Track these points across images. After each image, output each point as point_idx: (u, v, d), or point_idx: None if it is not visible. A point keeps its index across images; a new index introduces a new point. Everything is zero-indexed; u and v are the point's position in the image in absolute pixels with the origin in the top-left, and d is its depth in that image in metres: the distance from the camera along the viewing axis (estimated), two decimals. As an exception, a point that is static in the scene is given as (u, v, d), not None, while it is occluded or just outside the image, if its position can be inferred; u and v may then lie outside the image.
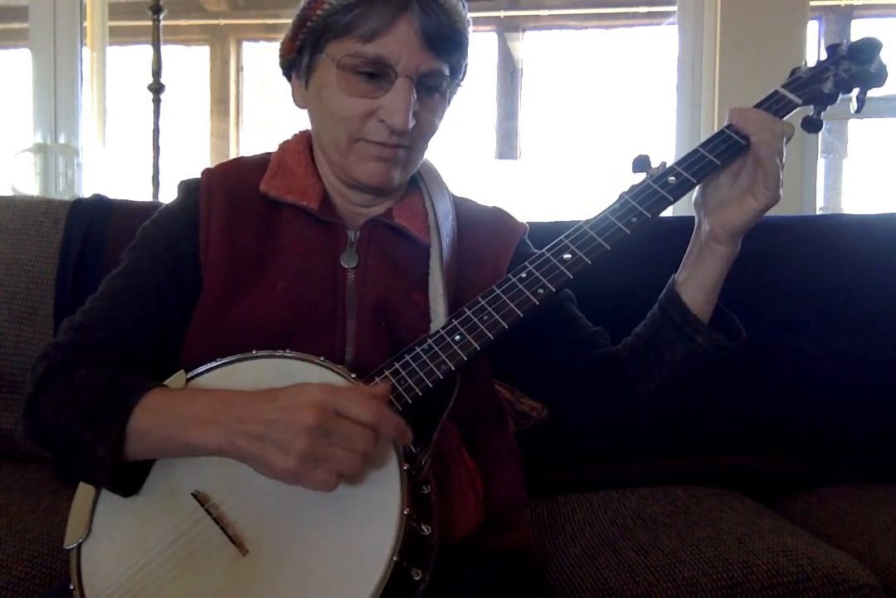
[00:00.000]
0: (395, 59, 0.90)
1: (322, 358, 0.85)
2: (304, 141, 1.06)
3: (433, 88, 0.95)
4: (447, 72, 0.95)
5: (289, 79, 1.04)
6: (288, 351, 0.86)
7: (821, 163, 2.26)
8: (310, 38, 0.95)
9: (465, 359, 0.86)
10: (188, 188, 1.03)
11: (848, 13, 2.99)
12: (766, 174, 0.90)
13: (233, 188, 1.01)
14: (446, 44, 0.93)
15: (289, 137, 1.08)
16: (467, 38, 0.96)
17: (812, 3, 2.19)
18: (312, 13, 0.94)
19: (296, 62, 1.00)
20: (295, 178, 1.01)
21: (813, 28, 2.52)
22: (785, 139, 0.90)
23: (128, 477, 0.86)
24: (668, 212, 2.27)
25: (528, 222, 1.13)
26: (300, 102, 1.02)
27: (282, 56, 1.02)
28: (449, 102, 1.02)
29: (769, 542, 1.17)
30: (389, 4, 0.89)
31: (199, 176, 1.04)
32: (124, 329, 0.94)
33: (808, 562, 1.12)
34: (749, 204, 0.91)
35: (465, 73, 1.02)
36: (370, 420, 0.74)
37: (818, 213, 2.32)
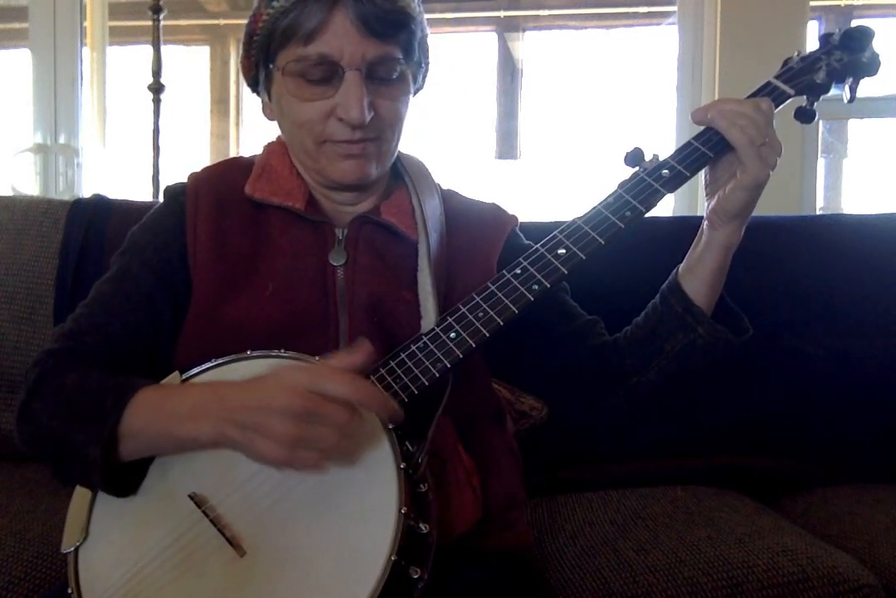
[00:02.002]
0: (338, 55, 0.90)
1: (317, 358, 0.85)
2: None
3: (387, 75, 0.93)
4: (399, 55, 0.93)
5: (258, 94, 1.04)
6: (283, 351, 0.85)
7: (821, 163, 2.26)
8: (260, 52, 0.96)
9: (461, 356, 0.86)
10: (174, 193, 1.03)
11: (848, 13, 2.99)
12: (734, 148, 0.89)
13: (220, 191, 1.01)
14: (389, 26, 0.91)
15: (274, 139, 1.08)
16: (413, 15, 0.94)
17: (812, 3, 2.19)
18: (256, 27, 0.94)
19: (257, 77, 1.00)
20: (280, 179, 1.01)
21: (813, 28, 2.52)
22: (753, 110, 0.89)
23: (123, 479, 0.85)
24: (668, 211, 2.26)
25: (527, 222, 1.13)
26: (270, 114, 1.02)
27: (244, 75, 1.03)
28: (418, 83, 1.01)
29: (769, 542, 1.17)
30: (321, 1, 0.89)
31: (185, 180, 1.04)
32: (115, 334, 0.94)
33: (808, 562, 1.11)
34: (732, 184, 0.90)
35: (425, 52, 1.00)
36: (348, 395, 0.74)
37: (818, 213, 2.32)
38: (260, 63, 0.97)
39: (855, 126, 2.79)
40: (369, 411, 0.77)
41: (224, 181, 1.02)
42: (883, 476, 1.51)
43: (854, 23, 2.95)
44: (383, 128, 0.95)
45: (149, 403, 0.83)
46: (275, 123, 1.03)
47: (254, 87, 1.04)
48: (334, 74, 0.91)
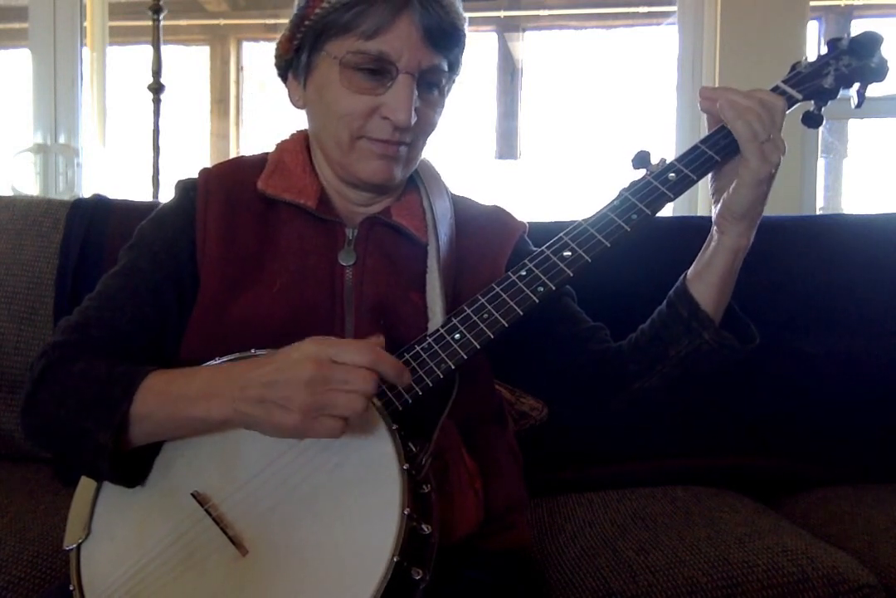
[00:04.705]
0: (396, 56, 0.91)
1: None
2: (301, 140, 1.06)
3: (433, 84, 0.95)
4: (446, 68, 0.96)
5: (284, 80, 1.04)
6: (288, 350, 0.85)
7: (821, 163, 2.26)
8: (308, 37, 0.95)
9: (466, 357, 0.86)
10: (185, 188, 1.03)
11: (848, 13, 2.99)
12: (738, 140, 0.88)
13: (230, 188, 1.01)
14: (446, 39, 0.93)
15: (287, 136, 1.08)
16: (465, 34, 0.97)
17: (812, 3, 2.19)
18: (311, 12, 0.94)
19: (293, 62, 1.00)
20: (292, 176, 1.01)
21: (813, 28, 2.52)
22: (760, 106, 0.88)
23: (131, 468, 0.86)
24: (668, 212, 2.26)
25: (528, 222, 1.13)
26: (297, 102, 1.02)
27: (278, 56, 1.02)
28: (446, 97, 1.02)
29: (769, 542, 1.17)
30: (389, 2, 0.90)
31: (196, 176, 1.04)
32: (121, 328, 0.94)
33: (808, 562, 1.12)
34: (736, 182, 0.90)
35: (460, 69, 1.02)
36: (366, 362, 0.75)
37: (818, 213, 2.32)
38: (303, 48, 0.97)
39: (855, 126, 2.80)
40: (384, 375, 0.77)
41: (235, 178, 1.02)
42: (883, 476, 1.52)
43: (854, 23, 2.96)
44: (418, 134, 0.97)
45: (157, 386, 0.83)
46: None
47: (283, 70, 1.03)
48: (387, 74, 0.92)
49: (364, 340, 0.81)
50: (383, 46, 0.90)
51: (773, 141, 0.88)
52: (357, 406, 0.74)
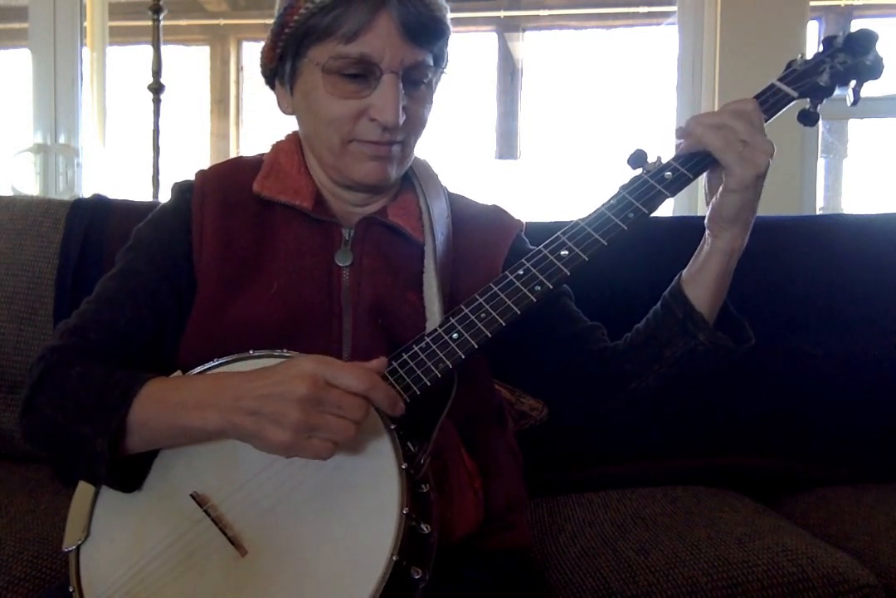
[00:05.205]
0: (378, 56, 0.90)
1: None
2: (296, 141, 1.06)
3: (419, 80, 0.95)
4: (431, 62, 0.95)
5: (272, 87, 1.04)
6: (286, 351, 0.85)
7: (821, 163, 2.26)
8: (290, 44, 0.95)
9: (464, 357, 0.86)
10: (181, 190, 1.03)
11: (848, 13, 3.00)
12: (713, 153, 0.88)
13: (227, 189, 1.01)
14: (428, 34, 0.92)
15: (283, 137, 1.08)
16: (447, 25, 0.96)
17: (812, 3, 2.20)
18: (290, 19, 0.93)
19: (278, 70, 1.00)
20: (288, 178, 1.01)
21: (813, 28, 2.52)
22: (730, 117, 0.87)
23: (128, 474, 0.86)
24: (668, 212, 2.27)
25: (527, 222, 1.13)
26: (287, 108, 1.02)
27: (263, 65, 1.02)
28: (434, 91, 1.02)
29: (769, 542, 1.17)
30: (367, 2, 0.89)
31: (192, 177, 1.04)
32: (119, 331, 0.94)
33: (808, 562, 1.12)
34: (721, 188, 0.90)
35: (447, 61, 1.01)
36: (360, 389, 0.75)
37: (818, 213, 2.32)
38: (286, 55, 0.96)
39: (855, 126, 2.80)
40: (378, 405, 0.78)
41: (231, 179, 1.02)
42: (883, 476, 1.52)
43: (854, 23, 2.97)
44: (409, 132, 0.96)
45: (155, 394, 0.83)
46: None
47: (270, 78, 1.03)
48: (370, 75, 0.91)
49: (364, 364, 0.81)
50: (364, 48, 0.90)
51: (753, 144, 0.87)
52: (348, 433, 0.75)
